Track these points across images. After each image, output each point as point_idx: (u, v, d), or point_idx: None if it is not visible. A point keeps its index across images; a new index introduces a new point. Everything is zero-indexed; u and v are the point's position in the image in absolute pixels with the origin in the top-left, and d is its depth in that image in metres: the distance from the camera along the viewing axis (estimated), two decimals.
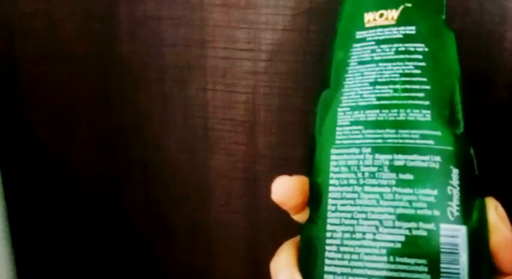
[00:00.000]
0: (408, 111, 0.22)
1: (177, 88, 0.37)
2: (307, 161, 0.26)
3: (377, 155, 0.22)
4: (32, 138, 0.39)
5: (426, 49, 0.23)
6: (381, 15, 0.24)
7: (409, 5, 0.24)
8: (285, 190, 0.23)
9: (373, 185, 0.22)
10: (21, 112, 0.39)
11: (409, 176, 0.21)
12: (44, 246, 0.42)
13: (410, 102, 0.22)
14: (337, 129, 0.23)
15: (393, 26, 0.24)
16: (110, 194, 0.39)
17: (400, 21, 0.24)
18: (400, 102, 0.23)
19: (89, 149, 0.39)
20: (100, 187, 0.40)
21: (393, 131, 0.22)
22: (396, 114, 0.22)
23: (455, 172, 0.21)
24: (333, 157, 0.23)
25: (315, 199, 0.23)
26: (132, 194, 0.39)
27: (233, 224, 0.39)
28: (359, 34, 0.25)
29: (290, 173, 0.38)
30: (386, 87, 0.23)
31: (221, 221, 0.39)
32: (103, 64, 0.37)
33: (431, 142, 0.22)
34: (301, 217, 0.24)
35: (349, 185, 0.22)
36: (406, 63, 0.23)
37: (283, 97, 0.36)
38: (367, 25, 0.25)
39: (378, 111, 0.23)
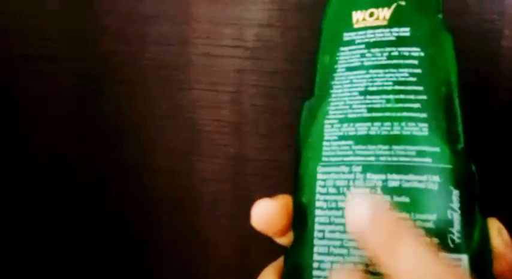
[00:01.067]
0: (403, 124, 0.20)
1: (160, 87, 0.35)
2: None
3: (369, 175, 0.20)
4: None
5: (422, 53, 0.21)
6: (371, 15, 0.22)
7: (403, 2, 0.21)
8: (266, 216, 0.20)
9: None
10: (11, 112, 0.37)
11: (404, 199, 0.19)
12: (30, 251, 0.40)
13: (405, 114, 0.20)
14: (324, 143, 0.21)
15: (385, 27, 0.21)
16: (94, 197, 0.38)
17: (393, 22, 0.21)
18: (393, 114, 0.20)
19: (73, 150, 0.37)
20: (84, 189, 0.38)
21: (386, 147, 0.20)
22: (389, 128, 0.20)
23: (455, 193, 0.19)
24: (319, 175, 0.21)
25: (300, 221, 0.21)
26: (116, 198, 0.38)
27: (222, 229, 0.37)
28: (347, 36, 0.22)
29: (280, 178, 0.37)
30: (378, 96, 0.21)
31: (209, 226, 0.37)
32: (81, 63, 0.35)
33: (428, 160, 0.19)
34: (284, 240, 0.22)
35: (338, 208, 0.20)
36: (400, 70, 0.21)
37: (271, 98, 0.34)
38: (355, 25, 0.22)
39: (369, 124, 0.20)
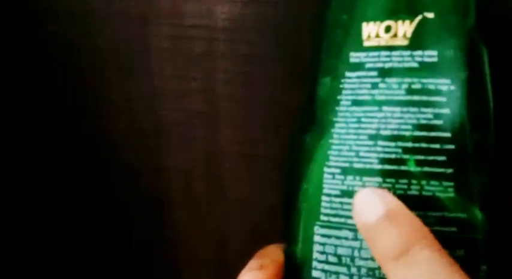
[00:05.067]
0: (423, 182, 0.16)
1: (117, 75, 0.29)
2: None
3: None
4: None
5: (452, 87, 0.16)
6: (388, 29, 0.16)
7: (430, 15, 0.16)
8: None
9: None
10: None
11: None
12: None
13: (426, 169, 0.16)
14: (323, 198, 0.17)
15: (405, 48, 0.16)
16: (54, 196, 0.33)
17: (416, 41, 0.16)
18: (411, 168, 0.16)
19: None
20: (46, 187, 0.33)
21: None
22: (406, 187, 0.16)
23: (483, 269, 0.16)
24: (317, 238, 0.17)
25: None
26: (84, 198, 0.33)
27: (198, 228, 0.34)
28: (354, 56, 0.17)
29: (258, 173, 0.33)
30: (392, 143, 0.16)
31: (184, 225, 0.34)
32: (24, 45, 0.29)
33: (453, 229, 0.16)
34: None
35: None
36: (423, 110, 0.16)
37: (247, 85, 0.28)
38: (366, 43, 0.17)
39: (379, 179, 0.16)
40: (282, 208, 0.20)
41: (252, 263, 0.18)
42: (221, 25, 0.27)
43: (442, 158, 0.16)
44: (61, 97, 0.31)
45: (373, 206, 0.15)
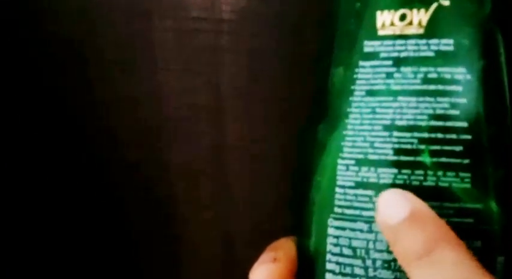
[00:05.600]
0: (439, 173, 0.16)
1: (119, 70, 0.28)
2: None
3: None
4: None
5: (468, 76, 0.16)
6: (403, 18, 0.16)
7: (446, 2, 0.16)
8: None
9: None
10: None
11: None
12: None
13: (443, 159, 0.16)
14: (337, 190, 0.17)
15: (421, 36, 0.16)
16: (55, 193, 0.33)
17: (432, 30, 0.16)
18: (427, 159, 0.16)
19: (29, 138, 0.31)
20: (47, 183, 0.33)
21: None
22: (422, 178, 0.16)
23: (499, 260, 0.16)
24: (330, 230, 0.17)
25: (307, 274, 0.18)
26: (85, 193, 0.33)
27: (201, 225, 0.33)
28: (368, 46, 0.17)
29: (264, 169, 0.33)
30: (408, 134, 0.16)
31: (187, 222, 0.33)
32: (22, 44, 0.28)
33: (470, 220, 0.16)
34: None
35: (354, 275, 0.16)
36: (439, 99, 0.16)
37: (253, 80, 0.28)
38: (380, 32, 0.16)
39: (395, 170, 0.16)
40: (292, 202, 0.19)
41: (265, 256, 0.17)
42: (226, 17, 0.26)
43: (459, 148, 0.16)
44: (62, 95, 0.30)
45: (398, 207, 0.15)
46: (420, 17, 0.16)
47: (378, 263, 0.16)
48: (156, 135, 0.30)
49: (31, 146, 0.32)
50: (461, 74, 0.16)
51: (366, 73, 0.17)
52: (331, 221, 0.17)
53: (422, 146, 0.16)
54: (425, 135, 0.16)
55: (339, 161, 0.17)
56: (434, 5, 0.16)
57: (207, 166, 0.31)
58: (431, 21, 0.16)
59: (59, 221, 0.34)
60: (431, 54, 0.16)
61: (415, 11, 0.16)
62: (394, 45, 0.16)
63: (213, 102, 0.29)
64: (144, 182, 0.32)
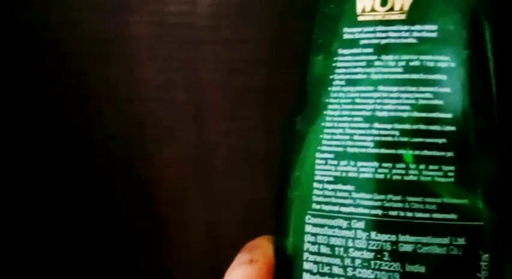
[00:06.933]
0: (422, 167, 0.15)
1: (97, 65, 0.27)
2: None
3: (374, 234, 0.15)
4: None
5: (452, 64, 0.15)
6: (384, 3, 0.15)
7: None
8: None
9: None
10: None
11: (419, 269, 0.15)
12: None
13: (425, 152, 0.15)
14: (315, 185, 0.16)
15: (402, 22, 0.15)
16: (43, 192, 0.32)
17: (414, 15, 0.15)
18: (409, 151, 0.15)
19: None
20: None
21: (398, 198, 0.15)
22: (404, 171, 0.15)
23: (484, 258, 0.15)
24: (308, 227, 0.16)
25: (284, 274, 0.17)
26: (71, 192, 0.32)
27: (187, 221, 0.32)
28: (348, 32, 0.16)
29: (247, 166, 0.32)
30: (389, 126, 0.15)
31: (175, 219, 0.32)
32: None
33: (453, 216, 0.15)
34: None
35: (332, 275, 0.15)
36: (421, 89, 0.15)
37: (234, 73, 0.27)
38: (360, 18, 0.16)
39: (376, 164, 0.15)
40: (274, 199, 0.19)
41: (242, 257, 0.16)
42: (203, 12, 0.25)
43: (442, 140, 0.15)
44: (45, 89, 0.29)
45: None
46: (402, 1, 0.15)
47: (357, 262, 0.15)
48: (137, 130, 0.29)
49: (25, 145, 0.30)
50: (446, 62, 0.15)
51: (346, 62, 0.16)
52: (308, 218, 0.16)
53: (404, 139, 0.15)
54: (407, 126, 0.15)
55: (317, 154, 0.16)
56: None
57: (190, 161, 0.30)
58: (413, 6, 0.15)
59: (50, 221, 0.33)
60: (413, 40, 0.15)
61: None
62: (374, 31, 0.15)
63: (193, 98, 0.28)
64: (126, 179, 0.31)
